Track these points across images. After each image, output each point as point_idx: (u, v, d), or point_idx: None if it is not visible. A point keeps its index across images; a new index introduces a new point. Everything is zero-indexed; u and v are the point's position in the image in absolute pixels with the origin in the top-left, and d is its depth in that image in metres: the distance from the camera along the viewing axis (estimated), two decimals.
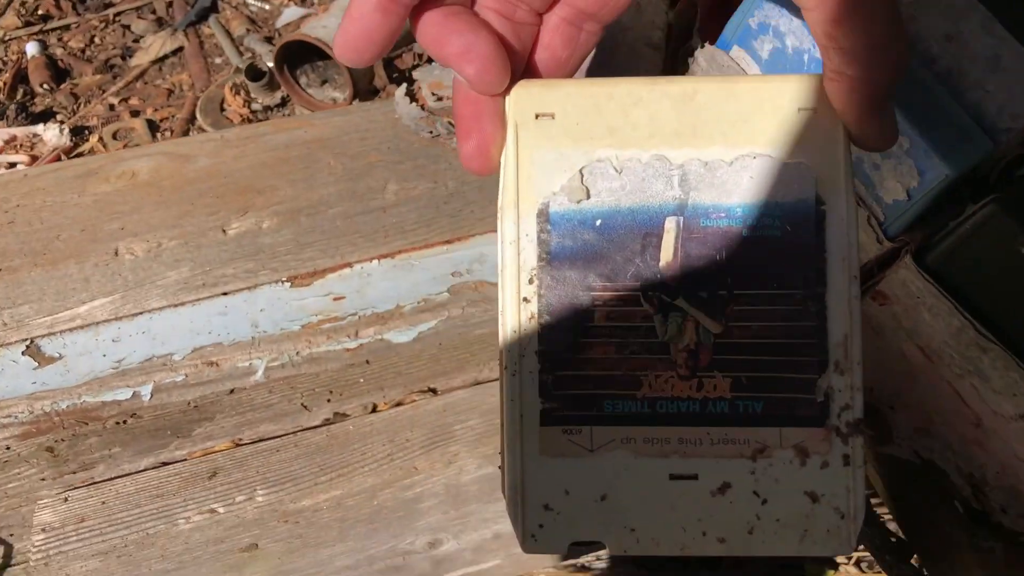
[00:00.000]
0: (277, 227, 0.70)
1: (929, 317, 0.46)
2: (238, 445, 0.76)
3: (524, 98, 0.31)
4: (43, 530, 0.72)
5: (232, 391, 0.71)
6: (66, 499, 0.73)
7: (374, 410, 0.78)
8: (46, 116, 1.25)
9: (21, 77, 1.33)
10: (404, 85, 0.81)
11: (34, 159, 1.14)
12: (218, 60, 1.34)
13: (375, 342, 0.71)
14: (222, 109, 1.21)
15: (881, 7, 0.27)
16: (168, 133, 1.23)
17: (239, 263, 0.69)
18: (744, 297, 0.30)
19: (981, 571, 0.53)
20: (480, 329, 0.73)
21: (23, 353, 0.67)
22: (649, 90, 0.31)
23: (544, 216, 0.31)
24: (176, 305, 0.68)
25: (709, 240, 0.30)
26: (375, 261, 0.70)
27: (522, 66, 0.32)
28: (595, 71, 0.60)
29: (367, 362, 0.75)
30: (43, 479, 0.74)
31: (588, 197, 0.31)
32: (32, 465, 0.73)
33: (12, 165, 1.10)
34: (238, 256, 0.69)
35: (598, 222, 0.31)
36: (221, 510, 0.74)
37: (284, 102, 1.20)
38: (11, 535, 0.80)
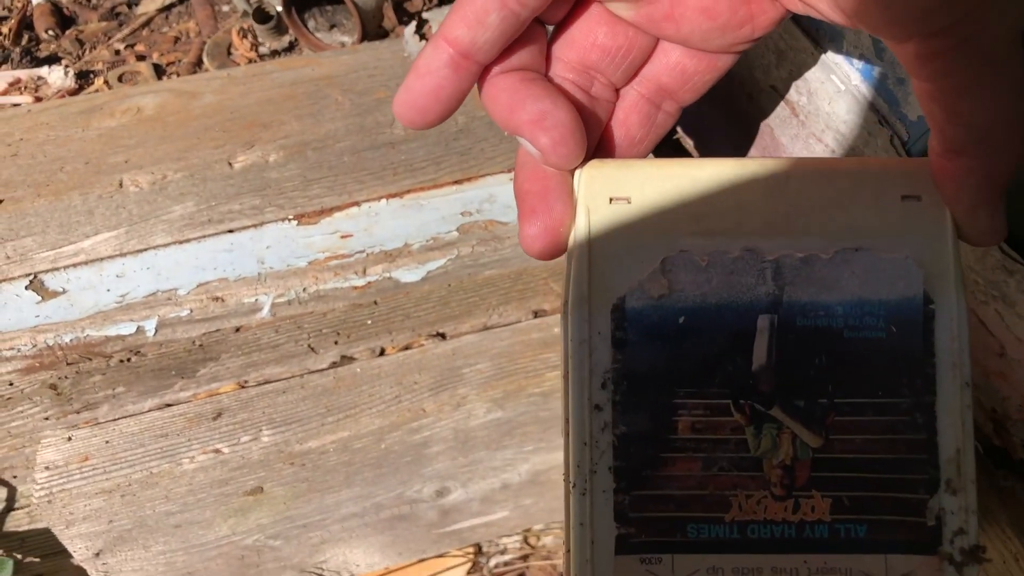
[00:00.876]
0: (283, 161, 0.68)
1: None
2: (243, 387, 0.75)
3: (597, 179, 0.28)
4: (46, 468, 0.72)
5: (238, 329, 0.70)
6: (69, 438, 0.72)
7: (382, 353, 0.77)
8: (51, 61, 1.24)
9: (26, 24, 1.32)
10: (414, 23, 0.79)
11: (38, 100, 1.13)
12: (225, 8, 1.32)
13: (383, 280, 0.70)
14: (229, 53, 1.19)
15: (1012, 75, 0.23)
16: (175, 76, 1.21)
17: (245, 199, 0.67)
18: (846, 406, 0.27)
19: (1002, 511, 0.52)
20: (489, 270, 0.72)
21: (27, 288, 0.66)
22: (737, 173, 0.28)
23: (619, 312, 0.27)
24: (181, 242, 0.67)
25: (807, 342, 0.27)
26: (383, 200, 0.69)
27: (595, 144, 0.29)
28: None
29: (375, 303, 0.73)
30: (47, 418, 0.73)
31: (669, 292, 0.28)
32: (36, 404, 0.72)
33: (16, 106, 1.09)
34: (244, 191, 0.67)
35: (681, 320, 0.27)
36: (226, 450, 0.73)
37: (292, 47, 1.18)
38: (14, 476, 0.79)
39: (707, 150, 0.62)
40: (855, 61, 0.46)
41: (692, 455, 0.27)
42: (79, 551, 0.76)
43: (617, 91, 0.30)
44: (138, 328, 0.67)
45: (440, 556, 1.01)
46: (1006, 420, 0.50)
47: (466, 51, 0.26)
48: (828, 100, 0.49)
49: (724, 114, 0.58)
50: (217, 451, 0.72)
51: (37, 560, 0.85)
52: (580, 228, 0.28)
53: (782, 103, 0.53)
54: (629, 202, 0.28)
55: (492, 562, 1.05)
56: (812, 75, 0.49)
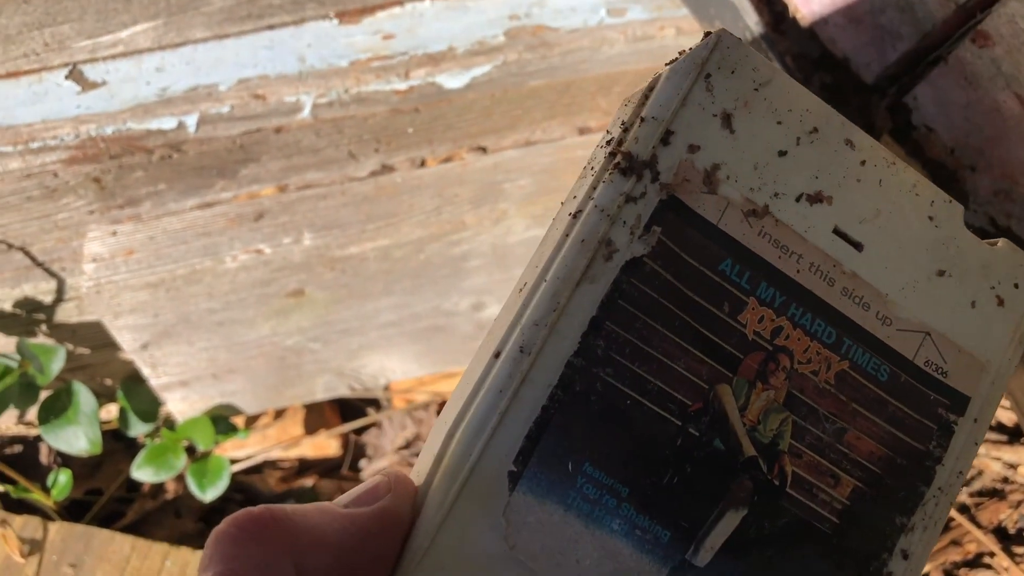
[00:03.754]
0: None
1: None
2: (284, 190, 0.75)
3: None
4: (93, 260, 0.73)
5: (278, 130, 0.69)
6: (114, 233, 0.73)
7: (423, 164, 0.76)
8: None
9: None
10: None
11: None
12: None
13: (426, 85, 0.68)
14: None
15: None
16: None
17: None
18: None
19: None
20: (535, 80, 0.70)
21: (66, 77, 0.65)
22: None
23: None
24: (221, 37, 0.65)
25: None
26: (427, 0, 0.66)
27: None
28: None
29: (416, 110, 0.72)
30: (91, 212, 0.74)
31: None
32: (80, 196, 0.73)
33: None
34: None
35: None
36: (268, 251, 0.73)
37: None
38: (63, 269, 0.81)
39: None
40: None
41: None
42: (127, 342, 0.78)
43: None
44: (179, 123, 0.66)
45: None
46: None
47: None
48: None
49: None
50: (259, 251, 0.73)
51: (87, 352, 0.88)
52: None
53: None
54: None
55: None
56: None
